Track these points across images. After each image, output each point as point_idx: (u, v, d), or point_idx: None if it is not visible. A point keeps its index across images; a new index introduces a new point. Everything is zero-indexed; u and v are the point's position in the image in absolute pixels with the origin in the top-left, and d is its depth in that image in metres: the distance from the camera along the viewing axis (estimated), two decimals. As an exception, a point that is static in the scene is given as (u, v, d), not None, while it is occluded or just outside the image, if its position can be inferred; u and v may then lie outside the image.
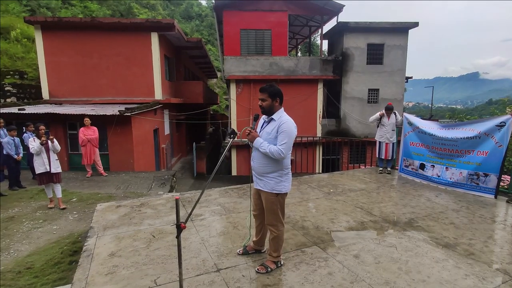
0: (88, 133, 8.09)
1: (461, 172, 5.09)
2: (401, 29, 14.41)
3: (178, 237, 2.09)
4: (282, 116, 2.63)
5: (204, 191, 2.44)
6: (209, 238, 3.42)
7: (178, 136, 16.51)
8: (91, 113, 8.77)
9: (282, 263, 2.84)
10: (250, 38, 14.21)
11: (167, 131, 14.05)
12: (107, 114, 8.89)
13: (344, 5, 13.83)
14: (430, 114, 25.59)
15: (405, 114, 6.30)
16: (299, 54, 26.64)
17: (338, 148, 15.11)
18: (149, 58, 12.09)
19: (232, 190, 5.33)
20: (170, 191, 7.42)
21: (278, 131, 2.56)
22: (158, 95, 12.37)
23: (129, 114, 9.28)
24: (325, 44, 16.33)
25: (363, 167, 10.20)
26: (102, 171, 8.51)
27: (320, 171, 14.42)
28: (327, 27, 15.70)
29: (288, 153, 2.58)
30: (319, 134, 14.61)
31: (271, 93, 2.63)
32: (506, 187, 5.03)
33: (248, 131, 2.70)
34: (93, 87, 11.90)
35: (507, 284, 2.51)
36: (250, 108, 14.36)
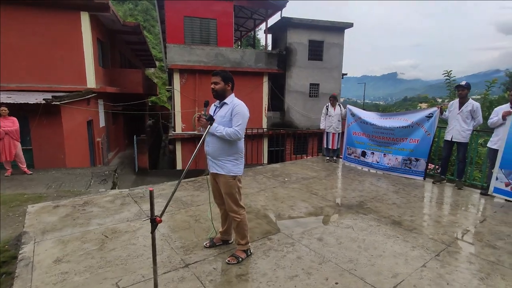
0: (6, 125, 6.87)
1: (396, 158, 5.73)
2: (339, 28, 15.45)
3: (153, 232, 1.90)
4: (234, 100, 2.67)
5: (180, 182, 2.26)
6: (171, 233, 3.22)
7: (114, 129, 15.16)
8: (7, 101, 7.46)
9: (251, 251, 2.83)
10: (195, 26, 13.68)
11: (102, 123, 12.77)
12: (29, 102, 7.68)
13: (287, 1, 14.23)
14: (362, 109, 28.11)
15: (348, 106, 6.80)
16: (239, 47, 26.64)
17: (283, 140, 15.66)
18: (79, 40, 10.72)
19: (187, 183, 5.11)
20: (113, 188, 6.78)
21: (232, 114, 2.60)
22: (91, 82, 11.11)
23: (58, 103, 8.16)
24: (269, 38, 16.61)
25: (305, 157, 10.74)
26: (25, 169, 7.34)
27: (266, 162, 14.78)
28: (271, 21, 15.99)
29: (243, 134, 2.62)
30: (265, 126, 14.91)
31: (224, 77, 2.66)
32: (432, 171, 5.82)
33: (199, 116, 2.62)
34: (9, 71, 10.11)
35: (445, 251, 2.91)
36: (196, 99, 13.93)
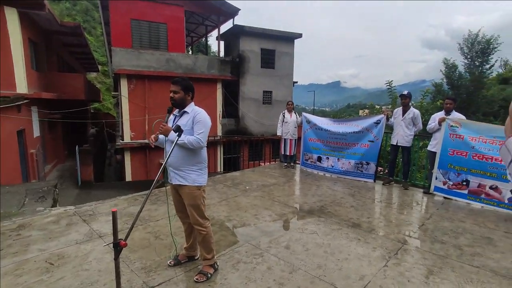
0: None
1: (349, 162, 6.06)
2: (289, 38, 16.05)
3: (117, 258, 1.68)
4: (194, 108, 2.59)
5: (148, 197, 2.05)
6: (129, 254, 2.93)
7: (52, 139, 13.63)
8: None
9: (218, 264, 2.70)
10: (143, 30, 13.04)
11: (36, 133, 11.37)
12: None
13: (239, 9, 14.37)
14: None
15: (304, 113, 7.03)
16: (189, 53, 26.17)
17: (238, 147, 15.64)
18: (6, 40, 9.47)
19: (142, 197, 4.75)
20: (53, 205, 6.01)
21: (194, 122, 2.50)
22: (22, 87, 9.88)
23: (-19, 110, 7.05)
24: (221, 45, 16.53)
25: (263, 164, 10.83)
26: None
27: (222, 170, 14.58)
28: (223, 28, 15.98)
29: (205, 142, 2.53)
30: (219, 133, 14.73)
31: (184, 86, 2.54)
32: (381, 173, 6.26)
33: (160, 123, 2.48)
34: None
35: (402, 249, 3.12)
36: (146, 106, 13.21)
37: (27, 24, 10.42)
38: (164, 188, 5.57)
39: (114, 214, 1.67)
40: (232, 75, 14.85)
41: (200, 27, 17.56)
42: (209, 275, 2.55)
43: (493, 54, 24.52)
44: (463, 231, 3.59)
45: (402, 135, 5.36)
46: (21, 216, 4.04)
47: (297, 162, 7.39)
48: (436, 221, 3.91)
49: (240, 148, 15.73)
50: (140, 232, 3.45)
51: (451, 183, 4.89)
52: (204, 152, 2.60)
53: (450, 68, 25.40)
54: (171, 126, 2.50)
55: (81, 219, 3.81)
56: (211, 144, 12.55)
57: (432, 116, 5.21)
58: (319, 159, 6.55)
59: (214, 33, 18.46)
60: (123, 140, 13.25)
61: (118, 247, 1.66)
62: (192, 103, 2.61)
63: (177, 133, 2.31)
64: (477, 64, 25.05)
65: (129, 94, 12.94)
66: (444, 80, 25.52)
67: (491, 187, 4.53)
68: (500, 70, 35.88)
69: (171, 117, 2.66)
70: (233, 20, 15.04)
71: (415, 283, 2.52)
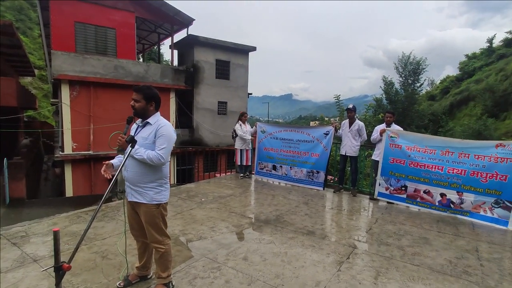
0: None
1: (302, 170, 6.29)
2: (244, 51, 16.36)
3: (58, 283, 1.49)
4: (159, 120, 2.42)
5: (96, 213, 1.88)
6: (72, 278, 2.63)
7: (-27, 151, 11.86)
8: None
9: (173, 283, 2.56)
10: (89, 34, 12.21)
11: (-47, 143, 9.82)
12: None
13: (194, 19, 14.29)
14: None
15: (258, 123, 7.14)
16: (140, 60, 25.22)
17: (193, 158, 15.25)
18: None
19: (86, 213, 4.34)
20: (-27, 228, 5.19)
21: (156, 135, 2.33)
22: None
23: None
24: (175, 54, 16.16)
25: (218, 175, 10.71)
26: None
27: (175, 182, 14.05)
28: (177, 37, 15.71)
29: (168, 158, 2.39)
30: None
31: (146, 95, 2.37)
32: (331, 181, 6.60)
33: (118, 135, 2.32)
34: None
35: (353, 253, 3.29)
36: (91, 115, 12.26)
37: None
38: (112, 202, 5.18)
39: (55, 234, 1.49)
40: (186, 85, 14.58)
41: (152, 35, 17.03)
42: (164, 294, 2.41)
43: (422, 74, 27.85)
44: (404, 233, 3.93)
45: (350, 146, 5.74)
46: None
47: (252, 172, 7.44)
48: (381, 225, 4.22)
49: (195, 159, 15.33)
50: (84, 252, 3.14)
51: (392, 188, 5.35)
52: (166, 167, 2.44)
53: (388, 85, 28.13)
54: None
55: (10, 242, 3.34)
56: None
57: (375, 128, 5.68)
58: (274, 167, 6.69)
59: (167, 41, 18.05)
60: (63, 151, 12.07)
61: (60, 271, 1.47)
62: (157, 114, 2.44)
63: (130, 144, 2.17)
64: (409, 82, 28.16)
65: (71, 101, 11.90)
66: (383, 95, 28.14)
67: (424, 191, 5.05)
68: (428, 88, 40.78)
69: (134, 126, 2.48)
70: (187, 30, 14.88)
71: (366, 284, 2.67)
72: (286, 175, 6.48)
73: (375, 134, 5.55)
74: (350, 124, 5.79)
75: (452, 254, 3.36)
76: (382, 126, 5.53)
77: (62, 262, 1.51)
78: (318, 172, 6.09)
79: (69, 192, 12.27)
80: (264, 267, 2.92)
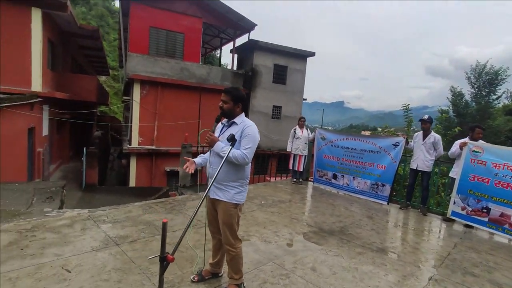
0: None
1: (365, 182, 5.95)
2: (302, 56, 16.24)
3: (162, 275, 1.56)
4: (245, 120, 2.45)
5: (201, 203, 1.96)
6: (149, 265, 2.79)
7: (59, 139, 13.58)
8: None
9: (245, 285, 2.56)
10: (161, 38, 13.22)
11: (45, 131, 11.34)
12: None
13: (256, 24, 14.61)
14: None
15: (318, 129, 6.96)
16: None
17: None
18: (27, 38, 9.60)
19: (157, 204, 4.63)
20: (60, 207, 5.88)
21: (242, 135, 2.36)
22: (37, 85, 9.90)
23: (-4, 106, 7.04)
24: (229, 58, 16.69)
25: (268, 178, 10.68)
26: None
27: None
28: (238, 42, 16.21)
29: (251, 158, 2.38)
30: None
31: (234, 97, 2.43)
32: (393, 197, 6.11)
33: (209, 135, 2.40)
34: None
35: (432, 279, 2.96)
36: (156, 113, 13.22)
37: (48, 25, 10.57)
38: (179, 196, 5.46)
39: (164, 225, 1.57)
40: (244, 88, 14.93)
41: (215, 39, 17.82)
42: (235, 294, 2.42)
43: (501, 85, 24.69)
44: (495, 265, 3.44)
45: (423, 160, 5.26)
46: (32, 216, 3.91)
47: (309, 179, 7.26)
48: (462, 251, 3.76)
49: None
50: (158, 242, 3.30)
51: (470, 209, 4.76)
52: (248, 168, 2.47)
53: (456, 96, 25.52)
54: (217, 136, 2.42)
55: (95, 224, 3.69)
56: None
57: (455, 142, 5.13)
58: (335, 176, 6.44)
59: (227, 46, 18.69)
60: (130, 144, 13.19)
61: (164, 261, 1.53)
62: (243, 115, 2.49)
63: (230, 143, 2.23)
64: (483, 94, 25.19)
65: (141, 99, 12.97)
66: (451, 107, 25.60)
67: (514, 218, 4.39)
68: (506, 101, 36.04)
69: (219, 126, 2.57)
70: (249, 35, 15.25)
71: (455, 318, 2.37)
72: (348, 185, 6.19)
73: (454, 148, 5.01)
74: (424, 136, 5.31)
75: (560, 297, 2.84)
76: (465, 139, 4.96)
77: (166, 253, 1.57)
78: (383, 185, 5.70)
79: (132, 182, 13.35)
80: (335, 281, 2.78)
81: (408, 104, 7.99)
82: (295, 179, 7.16)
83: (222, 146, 2.32)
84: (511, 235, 4.36)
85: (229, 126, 2.47)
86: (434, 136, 5.29)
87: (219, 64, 20.95)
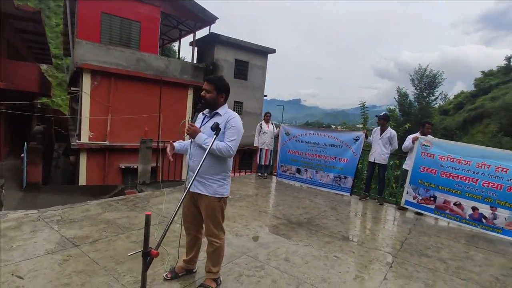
0: None
1: (328, 175, 6.20)
2: (263, 52, 16.36)
3: (145, 271, 1.43)
4: (228, 111, 2.37)
5: (184, 196, 1.83)
6: (116, 266, 2.59)
7: (-8, 133, 12.01)
8: None
9: (221, 279, 2.50)
10: (114, 25, 12.31)
11: (-25, 124, 9.94)
12: None
13: (217, 17, 14.34)
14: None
15: (283, 125, 7.08)
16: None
17: (205, 155, 15.23)
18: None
19: (117, 202, 4.32)
20: (-1, 209, 5.21)
21: (226, 127, 2.27)
22: (-35, 72, 8.63)
23: None
24: (187, 51, 16.19)
25: (232, 174, 10.61)
26: None
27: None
28: (198, 34, 15.76)
29: (235, 151, 2.31)
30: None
31: (218, 86, 2.34)
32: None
33: (189, 123, 2.29)
34: None
35: (395, 262, 3.19)
36: (109, 106, 12.32)
37: (-22, 2, 9.23)
38: (141, 193, 5.15)
39: (147, 218, 1.45)
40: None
41: (173, 30, 17.13)
42: (212, 289, 2.35)
43: (438, 87, 27.57)
44: (442, 246, 3.81)
45: (379, 153, 5.64)
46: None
47: (273, 173, 7.37)
48: (416, 236, 4.11)
49: (207, 157, 15.35)
50: (123, 241, 3.09)
51: (420, 198, 5.22)
52: (230, 161, 2.39)
53: (402, 96, 27.90)
54: (199, 127, 2.30)
55: (48, 225, 3.31)
56: (175, 154, 12.04)
57: (408, 136, 5.57)
58: (298, 170, 6.61)
59: (185, 39, 18.08)
60: (79, 140, 12.14)
61: (148, 257, 1.41)
62: (226, 105, 2.40)
63: (214, 132, 2.12)
64: (424, 95, 27.89)
65: (91, 91, 11.98)
66: (397, 106, 27.88)
67: (455, 204, 4.91)
68: (441, 102, 40.34)
69: (200, 116, 2.44)
70: (210, 28, 14.93)
71: (417, 296, 2.58)
72: (311, 179, 6.40)
73: (407, 142, 5.44)
74: (382, 131, 5.69)
75: (497, 271, 3.25)
76: (416, 134, 5.42)
77: (149, 248, 1.45)
78: (345, 178, 5.99)
79: (82, 180, 12.31)
80: (308, 270, 2.84)
81: (365, 102, 8.51)
82: (260, 174, 7.21)
83: (204, 137, 2.21)
84: (450, 219, 4.89)
85: (212, 117, 2.36)
86: (391, 131, 5.69)
87: (178, 57, 20.21)
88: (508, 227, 4.48)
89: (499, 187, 4.56)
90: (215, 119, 2.31)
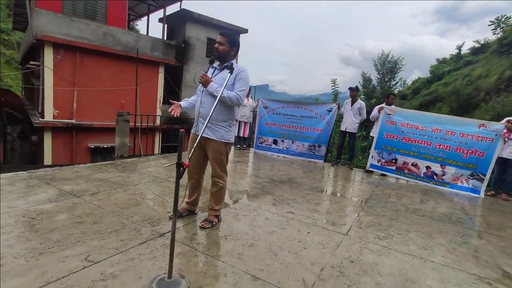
0: None
1: (303, 145, 6.68)
2: (235, 31, 16.27)
3: (179, 179, 1.69)
4: (237, 65, 2.58)
5: (197, 142, 2.12)
6: (122, 210, 2.79)
7: None
8: None
9: (220, 217, 2.81)
10: (78, -4, 11.56)
11: None
12: None
13: (188, -7, 13.92)
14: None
15: (261, 99, 7.39)
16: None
17: (177, 135, 15.13)
18: None
19: (106, 166, 4.41)
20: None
21: (236, 78, 2.50)
22: None
23: None
24: (156, 28, 15.67)
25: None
26: None
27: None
28: (167, 10, 15.24)
29: (244, 100, 2.61)
30: (159, 120, 14.04)
31: (231, 40, 2.55)
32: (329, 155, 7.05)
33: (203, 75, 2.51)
34: None
35: (366, 205, 3.72)
36: (75, 82, 11.73)
37: None
38: (128, 159, 5.23)
39: (181, 134, 1.70)
40: (176, 60, 14.33)
41: (140, 5, 16.37)
42: (214, 223, 2.66)
43: (398, 73, 29.39)
44: (402, 196, 4.45)
45: (350, 122, 6.19)
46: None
47: (250, 145, 7.70)
48: (382, 189, 4.72)
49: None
50: (122, 194, 3.27)
51: (384, 161, 5.89)
52: (236, 110, 2.66)
53: (366, 81, 29.37)
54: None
55: (42, 182, 3.38)
56: (149, 131, 11.86)
57: (375, 107, 6.17)
58: (275, 141, 7.01)
59: (153, 14, 17.37)
60: (43, 118, 11.49)
61: (181, 167, 1.68)
62: (235, 61, 2.61)
63: (229, 71, 2.34)
64: (386, 80, 29.61)
65: (54, 65, 11.29)
66: (362, 90, 29.36)
67: (412, 164, 5.64)
68: (400, 88, 43.01)
69: (210, 69, 2.63)
70: (180, 4, 14.53)
71: (384, 225, 3.10)
72: (287, 149, 6.84)
73: (374, 112, 6.04)
74: (353, 103, 6.23)
75: (446, 210, 3.92)
76: (382, 105, 6.02)
77: (182, 161, 1.70)
78: (320, 146, 6.51)
79: (48, 160, 11.75)
80: (295, 210, 3.26)
81: (335, 79, 9.08)
82: (239, 145, 7.51)
83: (216, 86, 2.43)
84: (408, 178, 5.61)
85: (222, 70, 2.57)
86: (360, 103, 6.25)
87: (147, 33, 19.39)
88: (453, 182, 5.28)
89: (448, 148, 5.33)
90: (224, 72, 2.50)
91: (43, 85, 11.50)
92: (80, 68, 11.80)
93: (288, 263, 2.13)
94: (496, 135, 4.95)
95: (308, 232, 2.71)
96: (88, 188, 3.32)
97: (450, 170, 5.31)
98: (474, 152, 5.14)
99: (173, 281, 1.74)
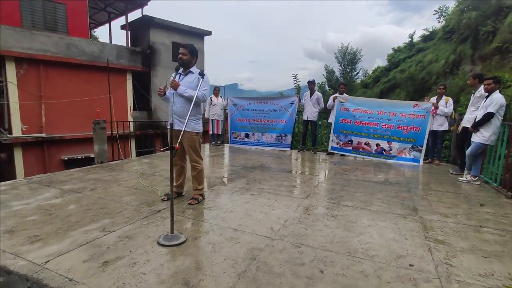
0: None
1: (272, 135, 7.42)
2: (199, 34, 16.71)
3: (172, 158, 2.30)
4: (198, 70, 3.20)
5: (169, 134, 2.66)
6: (120, 198, 3.33)
7: None
8: None
9: (204, 195, 3.43)
10: (36, 9, 11.46)
11: None
12: None
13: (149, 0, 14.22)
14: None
15: (230, 97, 8.02)
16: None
17: (152, 140, 15.35)
18: None
19: (94, 168, 4.86)
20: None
21: (199, 81, 3.09)
22: None
23: None
24: (118, 35, 15.73)
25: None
26: None
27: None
28: (129, 17, 15.35)
29: (207, 97, 3.26)
30: (131, 126, 14.18)
31: (191, 51, 3.21)
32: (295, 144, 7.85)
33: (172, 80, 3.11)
34: None
35: (326, 178, 4.50)
36: (42, 95, 11.64)
37: None
38: (112, 162, 5.65)
39: (171, 126, 2.30)
40: (143, 67, 14.52)
41: (100, 13, 16.29)
42: (199, 200, 3.28)
43: (358, 63, 31.21)
44: (356, 169, 5.31)
45: (311, 112, 7.01)
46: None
47: (224, 141, 8.32)
48: (340, 166, 5.56)
49: (154, 141, 15.48)
50: (116, 188, 3.78)
51: (342, 143, 6.77)
52: (202, 106, 3.28)
53: (329, 73, 30.90)
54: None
55: (41, 185, 3.80)
56: (124, 138, 12.03)
57: (330, 97, 7.03)
58: (247, 135, 7.69)
59: (115, 22, 17.31)
60: (11, 134, 11.31)
61: (174, 149, 2.29)
62: (195, 66, 3.23)
63: (201, 76, 2.96)
64: (348, 70, 31.32)
65: (18, 80, 11.15)
66: (326, 82, 30.85)
67: (365, 143, 6.56)
68: (363, 78, 45.41)
69: (177, 75, 3.22)
70: (142, 10, 14.71)
71: (338, 190, 3.89)
72: (258, 140, 7.55)
73: (330, 101, 6.90)
74: (311, 94, 7.05)
75: (389, 176, 4.82)
76: (336, 94, 6.90)
77: (173, 145, 2.31)
78: (286, 136, 7.28)
79: (20, 176, 11.58)
80: (269, 185, 3.95)
81: (297, 74, 9.92)
82: (213, 142, 8.09)
83: (184, 89, 3.05)
84: (362, 155, 6.53)
85: (186, 74, 3.20)
86: (318, 94, 7.08)
87: (110, 41, 19.21)
88: (399, 155, 6.26)
89: (392, 127, 6.30)
90: (189, 76, 3.17)
91: (8, 101, 11.31)
92: (46, 81, 11.74)
93: (260, 219, 2.81)
94: (426, 112, 5.97)
95: (276, 200, 3.41)
96: (85, 186, 3.79)
97: (395, 145, 6.29)
98: (412, 128, 6.15)
99: (174, 235, 2.35)
